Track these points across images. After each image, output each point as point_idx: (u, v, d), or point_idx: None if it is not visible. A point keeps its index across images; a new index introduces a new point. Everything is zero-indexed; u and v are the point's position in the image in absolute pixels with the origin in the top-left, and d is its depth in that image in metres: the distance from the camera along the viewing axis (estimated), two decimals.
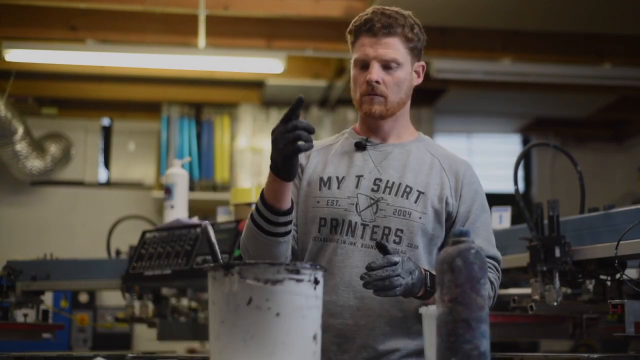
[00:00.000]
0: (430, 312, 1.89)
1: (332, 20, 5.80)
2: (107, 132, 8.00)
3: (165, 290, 4.08)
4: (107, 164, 7.94)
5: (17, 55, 5.48)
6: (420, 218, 2.04)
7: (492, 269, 2.06)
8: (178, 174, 3.59)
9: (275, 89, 7.03)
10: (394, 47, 2.07)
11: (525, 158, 4.34)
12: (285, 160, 1.83)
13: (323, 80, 6.94)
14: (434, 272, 1.93)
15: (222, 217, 3.58)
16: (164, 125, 7.51)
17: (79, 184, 7.78)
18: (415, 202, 2.05)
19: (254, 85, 7.28)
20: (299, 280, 1.52)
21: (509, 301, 3.10)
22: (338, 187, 2.07)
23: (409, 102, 2.20)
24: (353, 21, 2.13)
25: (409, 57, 2.12)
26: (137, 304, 3.97)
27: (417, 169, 2.10)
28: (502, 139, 8.95)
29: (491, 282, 2.04)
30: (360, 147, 2.13)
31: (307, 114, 7.35)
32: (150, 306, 4.00)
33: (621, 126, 8.64)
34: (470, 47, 6.20)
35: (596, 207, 2.84)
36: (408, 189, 2.06)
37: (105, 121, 8.01)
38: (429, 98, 7.81)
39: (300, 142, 1.80)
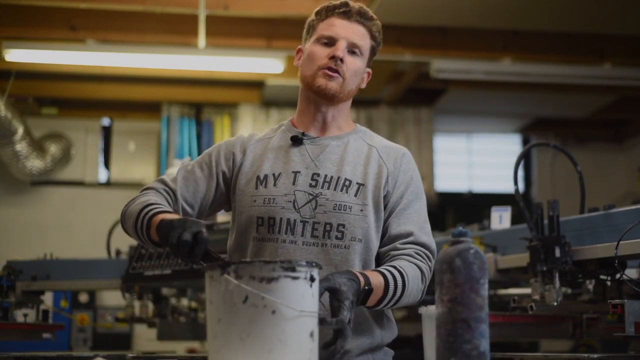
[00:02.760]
0: (430, 312, 1.89)
1: None
2: (107, 132, 8.00)
3: (165, 290, 4.08)
4: (107, 164, 7.94)
5: (17, 55, 5.49)
6: (361, 211, 1.97)
7: (422, 257, 1.96)
8: None
9: (275, 89, 7.03)
10: (363, 36, 2.05)
11: (525, 158, 4.34)
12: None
13: None
14: (371, 282, 1.82)
15: (221, 217, 3.58)
16: (164, 125, 7.52)
17: (79, 184, 7.78)
18: (356, 195, 1.98)
19: (254, 85, 7.28)
20: (294, 278, 1.51)
21: (509, 301, 3.10)
22: (274, 185, 1.99)
23: (350, 100, 2.12)
24: (323, 5, 2.09)
25: (368, 55, 2.08)
26: (137, 304, 3.97)
27: (355, 161, 2.04)
28: (502, 139, 8.95)
29: (422, 272, 1.94)
30: (296, 141, 2.06)
31: None
32: (150, 306, 4.00)
33: (621, 126, 8.64)
34: (470, 47, 6.20)
35: (596, 207, 2.83)
36: (347, 182, 1.99)
37: (105, 121, 8.01)
38: (429, 98, 7.82)
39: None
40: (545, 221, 2.77)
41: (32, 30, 5.87)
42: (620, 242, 2.48)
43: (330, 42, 2.03)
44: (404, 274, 1.89)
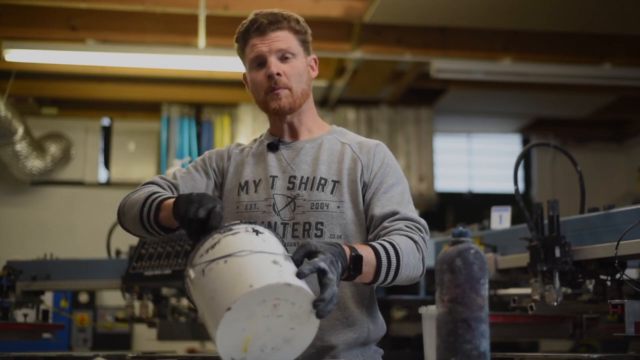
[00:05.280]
0: (430, 312, 1.89)
1: (332, 20, 5.80)
2: (107, 132, 8.00)
3: (165, 290, 4.08)
4: (107, 164, 7.94)
5: (17, 55, 5.48)
6: (338, 207, 2.02)
7: (413, 229, 1.95)
8: None
9: None
10: (285, 39, 2.07)
11: (525, 158, 4.34)
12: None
13: (323, 80, 6.94)
14: (358, 249, 1.79)
15: None
16: (164, 125, 7.52)
17: (79, 184, 7.78)
18: (332, 192, 2.03)
19: None
20: (235, 233, 1.59)
21: (509, 301, 3.10)
22: (255, 191, 2.07)
23: (312, 97, 2.17)
24: (238, 29, 2.14)
25: (301, 49, 2.11)
26: (137, 304, 3.97)
27: (329, 160, 2.09)
28: (502, 139, 8.95)
29: (415, 242, 1.92)
30: (272, 147, 2.13)
31: None
32: (150, 306, 4.00)
33: (621, 126, 8.64)
34: (470, 47, 6.20)
35: (596, 207, 2.84)
36: (323, 181, 2.04)
37: (105, 121, 8.01)
38: (429, 98, 7.82)
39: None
40: (545, 221, 2.78)
41: (32, 30, 5.86)
42: (620, 242, 2.48)
43: (261, 62, 2.08)
44: (395, 244, 1.87)
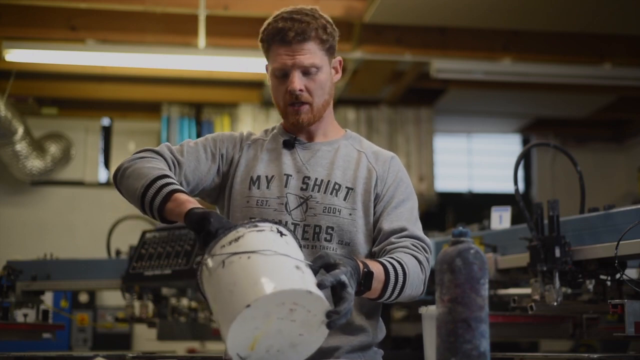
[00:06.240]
0: (430, 312, 1.90)
1: (332, 20, 5.80)
2: (107, 132, 8.00)
3: (165, 290, 4.08)
4: (107, 164, 7.94)
5: (17, 55, 5.48)
6: (350, 214, 2.01)
7: (418, 249, 1.98)
8: None
9: None
10: (311, 52, 2.01)
11: (525, 158, 4.34)
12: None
13: None
14: (369, 265, 1.81)
15: None
16: (164, 125, 7.52)
17: (79, 184, 7.78)
18: (345, 199, 2.02)
19: (254, 85, 7.28)
20: (260, 231, 1.58)
21: (509, 301, 3.10)
22: (267, 187, 2.04)
23: (331, 102, 2.15)
24: (263, 28, 2.06)
25: (326, 58, 2.06)
26: (137, 304, 3.97)
27: (345, 166, 2.08)
28: (502, 139, 8.95)
29: (420, 262, 1.96)
30: (288, 145, 2.10)
31: None
32: (150, 306, 4.00)
33: (621, 126, 8.64)
34: (470, 47, 6.20)
35: (596, 207, 2.84)
36: (337, 186, 2.03)
37: (105, 121, 8.01)
38: (429, 98, 7.82)
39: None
40: (545, 221, 2.78)
41: (32, 30, 5.86)
42: (620, 242, 2.48)
43: (284, 74, 2.02)
44: (403, 263, 1.90)
